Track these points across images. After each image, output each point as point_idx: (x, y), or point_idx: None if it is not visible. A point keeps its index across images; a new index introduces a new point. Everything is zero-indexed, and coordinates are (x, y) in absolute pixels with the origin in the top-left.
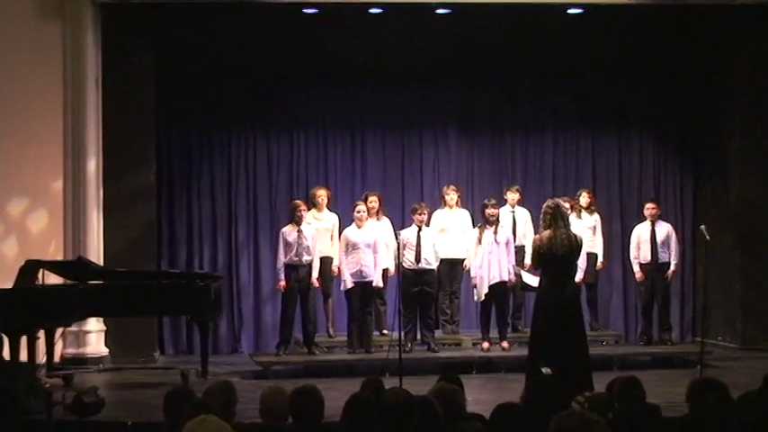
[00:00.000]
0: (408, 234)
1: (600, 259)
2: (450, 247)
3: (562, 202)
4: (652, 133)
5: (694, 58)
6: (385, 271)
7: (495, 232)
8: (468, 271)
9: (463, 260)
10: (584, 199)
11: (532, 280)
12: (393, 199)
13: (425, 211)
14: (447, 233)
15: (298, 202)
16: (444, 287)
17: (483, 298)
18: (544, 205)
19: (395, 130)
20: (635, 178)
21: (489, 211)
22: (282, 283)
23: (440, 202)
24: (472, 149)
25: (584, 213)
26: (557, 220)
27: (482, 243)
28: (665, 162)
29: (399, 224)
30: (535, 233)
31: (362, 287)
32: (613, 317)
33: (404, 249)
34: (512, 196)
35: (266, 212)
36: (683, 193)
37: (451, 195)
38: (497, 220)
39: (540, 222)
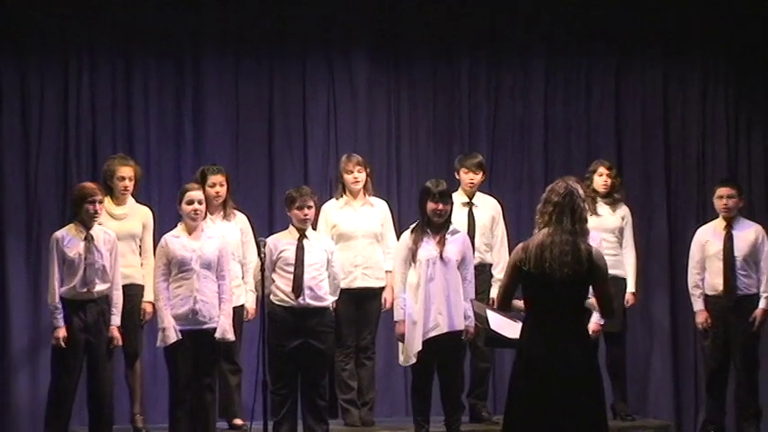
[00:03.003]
0: (281, 244)
1: (630, 288)
2: (357, 269)
3: (580, 188)
4: (722, 62)
5: None
6: (238, 312)
7: (441, 242)
8: (390, 311)
9: (380, 291)
10: (600, 179)
11: (508, 327)
12: (253, 180)
13: (313, 202)
14: (351, 243)
15: (88, 186)
16: (346, 341)
17: (414, 360)
18: (548, 189)
19: (258, 56)
20: (692, 143)
21: (434, 205)
22: (61, 332)
23: (335, 185)
24: (398, 90)
25: (601, 206)
26: (563, 216)
27: (417, 261)
28: (748, 112)
29: (265, 226)
30: (515, 243)
31: (197, 341)
32: (656, 393)
33: (272, 271)
34: (469, 177)
35: (20, 205)
36: None
37: (357, 174)
38: (445, 218)
39: (536, 218)
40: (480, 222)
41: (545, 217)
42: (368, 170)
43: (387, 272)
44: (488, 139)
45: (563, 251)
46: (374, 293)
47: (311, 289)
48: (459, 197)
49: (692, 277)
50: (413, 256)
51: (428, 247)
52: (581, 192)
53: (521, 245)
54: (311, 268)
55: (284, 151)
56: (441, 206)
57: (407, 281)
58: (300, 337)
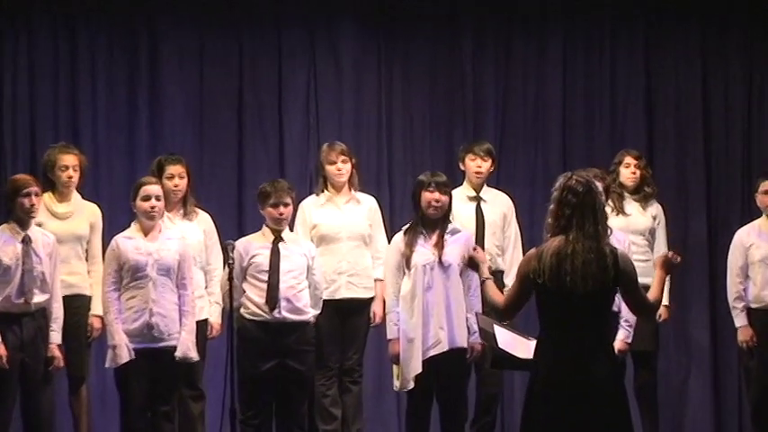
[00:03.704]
0: (252, 247)
1: (662, 301)
2: (341, 277)
3: (597, 181)
4: None
5: None
6: (201, 327)
7: (440, 243)
8: (380, 327)
9: (368, 303)
10: (627, 171)
11: (519, 346)
12: (219, 173)
13: (290, 199)
14: (334, 247)
15: (20, 177)
16: (329, 361)
17: (412, 385)
18: (558, 183)
19: (224, 28)
20: (736, 129)
21: (429, 195)
22: (0, 349)
23: (316, 178)
24: (391, 67)
25: (629, 204)
26: (584, 219)
27: (411, 267)
28: None
29: (233, 227)
30: (528, 247)
31: (154, 361)
32: (693, 423)
33: (243, 280)
34: (476, 164)
35: None
36: None
37: (340, 165)
38: (444, 212)
39: (548, 221)
40: (490, 220)
41: (561, 221)
42: (354, 161)
43: (376, 280)
44: (496, 126)
45: (587, 261)
46: (361, 306)
47: (288, 300)
48: (464, 191)
49: (734, 287)
50: (406, 262)
51: (424, 251)
52: (598, 185)
53: (533, 251)
54: (288, 276)
55: (256, 139)
56: (437, 195)
57: (401, 291)
58: (276, 357)
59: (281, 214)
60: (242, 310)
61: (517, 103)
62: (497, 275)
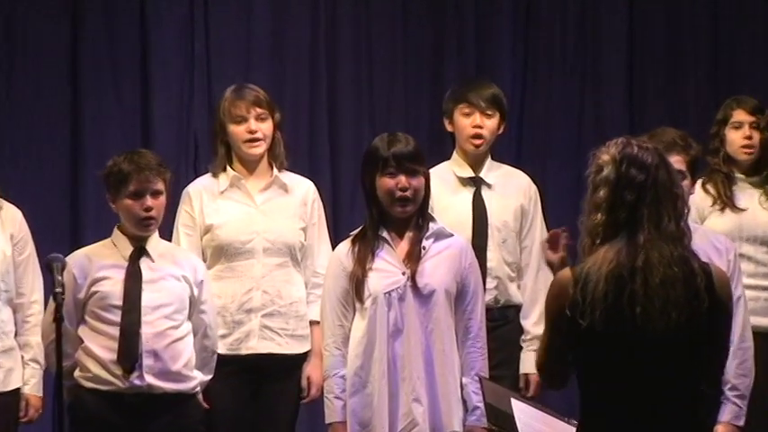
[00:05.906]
0: (95, 266)
1: None
2: (252, 318)
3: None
4: None
5: None
6: (9, 402)
7: (413, 255)
8: (319, 402)
9: (299, 362)
10: (738, 136)
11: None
12: (40, 142)
13: (162, 184)
14: (242, 266)
15: None
16: None
17: None
18: (608, 154)
19: None
20: None
21: (389, 180)
22: None
23: (213, 147)
24: None
25: (741, 191)
26: (661, 208)
27: (366, 299)
28: None
29: (63, 231)
30: (556, 266)
31: None
32: None
33: (78, 322)
34: (472, 122)
35: None
36: None
37: (254, 125)
38: (416, 206)
39: (590, 215)
40: (498, 218)
41: (618, 215)
42: (276, 118)
43: (312, 323)
44: (515, 60)
45: (668, 279)
46: (287, 367)
47: (156, 357)
48: (453, 168)
49: None
50: (357, 290)
51: (388, 268)
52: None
53: (566, 274)
54: (156, 315)
55: (102, 85)
56: (403, 180)
57: (350, 340)
58: None
59: (146, 210)
60: (77, 374)
61: (550, 21)
62: (510, 312)
